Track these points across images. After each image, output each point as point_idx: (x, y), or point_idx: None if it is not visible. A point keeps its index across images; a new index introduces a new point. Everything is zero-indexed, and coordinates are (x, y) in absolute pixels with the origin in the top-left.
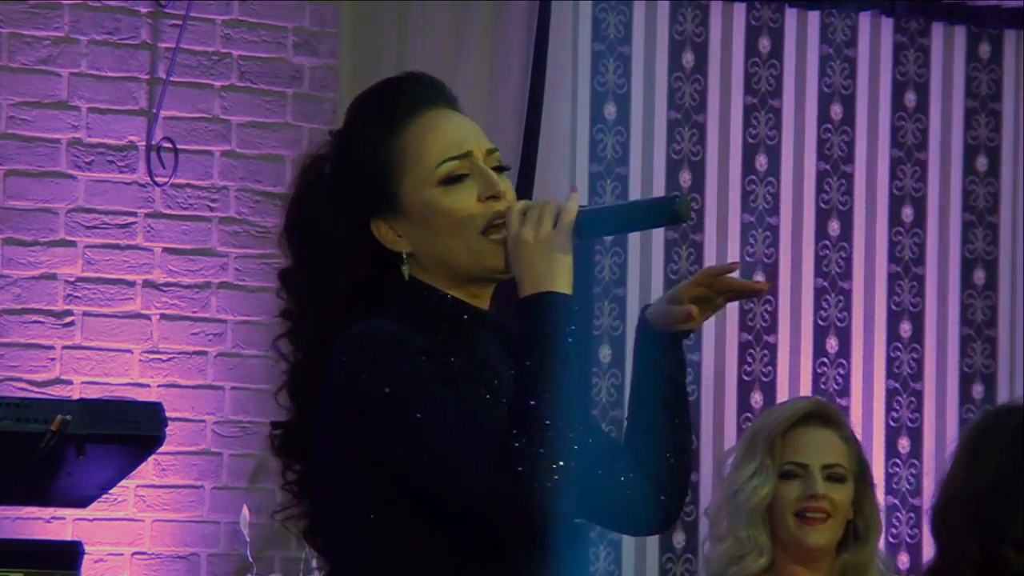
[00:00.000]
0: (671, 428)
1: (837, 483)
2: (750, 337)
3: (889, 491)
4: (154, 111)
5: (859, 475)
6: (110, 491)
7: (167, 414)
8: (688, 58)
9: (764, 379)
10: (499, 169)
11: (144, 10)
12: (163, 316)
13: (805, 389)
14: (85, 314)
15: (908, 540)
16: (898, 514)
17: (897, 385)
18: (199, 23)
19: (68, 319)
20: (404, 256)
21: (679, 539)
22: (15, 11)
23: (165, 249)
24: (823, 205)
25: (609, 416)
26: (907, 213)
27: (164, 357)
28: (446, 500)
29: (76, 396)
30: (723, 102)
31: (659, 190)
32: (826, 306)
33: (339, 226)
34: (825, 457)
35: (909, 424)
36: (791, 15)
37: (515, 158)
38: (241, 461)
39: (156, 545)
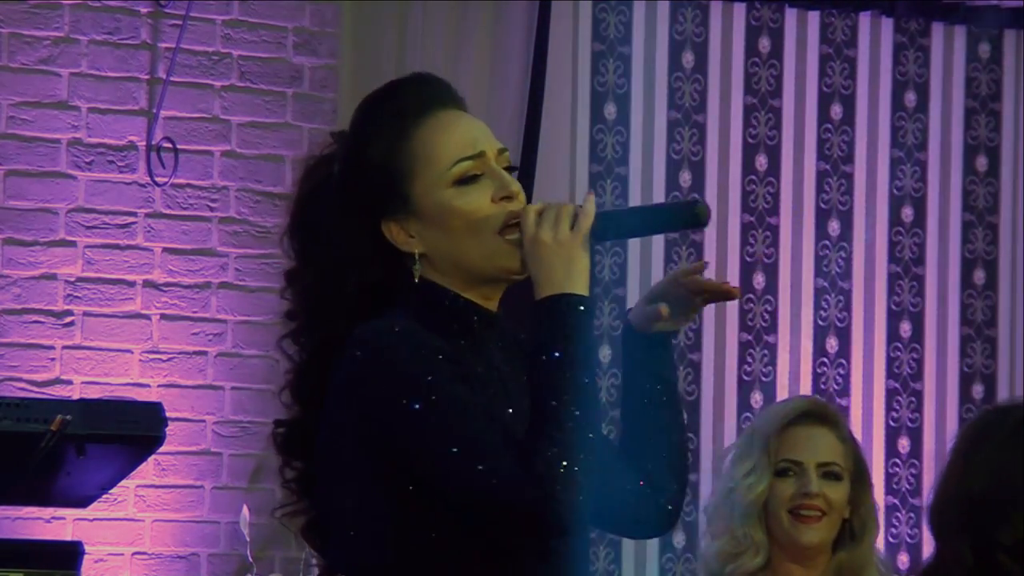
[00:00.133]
0: (665, 428)
1: (832, 481)
2: (750, 337)
3: (889, 491)
4: (154, 111)
5: (856, 474)
6: (110, 491)
7: (167, 414)
8: (688, 58)
9: (764, 379)
10: (509, 169)
11: (144, 10)
12: (163, 316)
13: (805, 389)
14: (85, 314)
15: (908, 540)
16: (898, 514)
17: (897, 385)
18: (199, 23)
19: (68, 319)
20: (416, 257)
21: (679, 539)
22: (15, 11)
23: (165, 249)
24: (823, 205)
25: (609, 416)
26: (907, 213)
27: (164, 357)
28: (466, 500)
29: (76, 396)
30: (723, 102)
31: (659, 190)
32: (826, 306)
33: (348, 227)
34: (820, 455)
35: (909, 424)
36: (791, 15)
37: (515, 158)
38: (241, 461)
39: (156, 545)
